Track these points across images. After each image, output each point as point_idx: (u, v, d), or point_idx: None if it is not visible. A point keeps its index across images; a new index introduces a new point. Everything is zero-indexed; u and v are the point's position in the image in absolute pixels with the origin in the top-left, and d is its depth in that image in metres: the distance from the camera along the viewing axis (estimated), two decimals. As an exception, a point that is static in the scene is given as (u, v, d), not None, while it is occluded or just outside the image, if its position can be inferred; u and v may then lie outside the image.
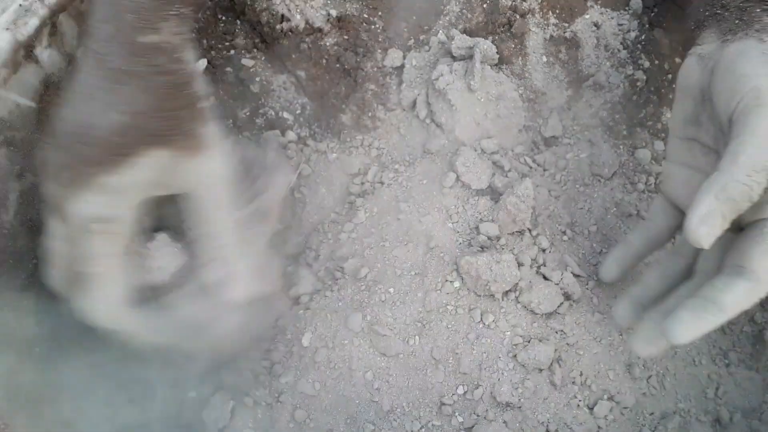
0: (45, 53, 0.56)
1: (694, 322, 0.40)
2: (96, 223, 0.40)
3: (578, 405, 0.52)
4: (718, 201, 0.38)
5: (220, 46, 0.62)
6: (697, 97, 0.45)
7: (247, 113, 0.61)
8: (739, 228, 0.42)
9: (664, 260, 0.50)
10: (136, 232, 0.44)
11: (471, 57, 0.59)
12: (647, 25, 0.63)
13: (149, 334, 0.45)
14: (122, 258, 0.43)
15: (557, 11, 0.63)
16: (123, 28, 0.40)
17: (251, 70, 0.60)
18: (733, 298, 0.39)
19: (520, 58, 0.62)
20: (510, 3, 0.61)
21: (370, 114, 0.61)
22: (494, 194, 0.58)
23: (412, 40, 0.63)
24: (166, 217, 0.47)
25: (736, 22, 0.42)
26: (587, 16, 0.62)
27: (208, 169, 0.43)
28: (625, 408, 0.53)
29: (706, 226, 0.38)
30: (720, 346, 0.57)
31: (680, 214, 0.49)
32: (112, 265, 0.43)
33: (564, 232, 0.58)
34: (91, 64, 0.41)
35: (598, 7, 0.63)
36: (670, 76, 0.63)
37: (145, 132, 0.40)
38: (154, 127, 0.40)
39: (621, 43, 0.62)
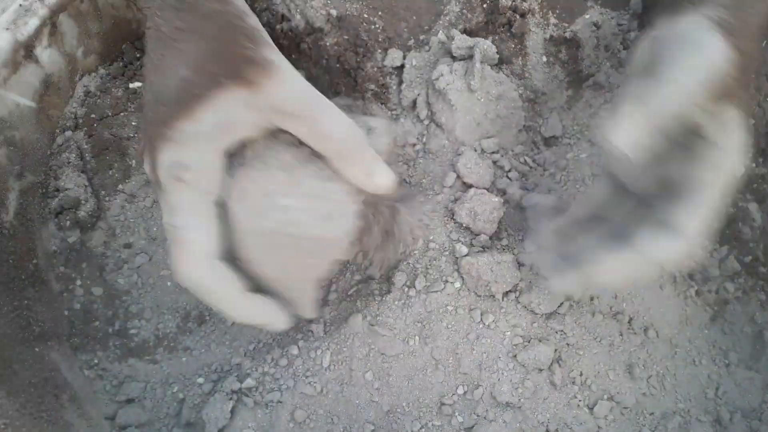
0: (45, 53, 0.56)
1: (615, 266, 0.42)
2: (181, 171, 0.39)
3: (578, 405, 0.52)
4: (639, 108, 0.39)
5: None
6: (643, 72, 0.45)
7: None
8: (664, 186, 0.43)
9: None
10: (223, 184, 0.42)
11: (471, 57, 0.59)
12: (648, 26, 0.63)
13: (235, 290, 0.42)
14: (210, 210, 0.41)
15: (557, 11, 0.63)
16: None
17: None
18: (659, 253, 0.41)
19: (520, 58, 0.62)
20: (510, 3, 0.61)
21: (370, 114, 0.61)
22: (498, 194, 0.58)
23: (412, 40, 0.63)
24: None
25: (686, 4, 0.44)
26: (587, 16, 0.62)
27: (288, 91, 0.41)
28: (625, 408, 0.53)
29: (626, 127, 0.39)
30: (720, 346, 0.57)
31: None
32: (200, 216, 0.41)
33: (564, 232, 0.58)
34: (152, 38, 0.41)
35: (598, 7, 0.63)
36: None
37: (211, 75, 0.39)
38: (217, 68, 0.39)
39: (621, 43, 0.62)
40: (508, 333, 0.53)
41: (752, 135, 0.61)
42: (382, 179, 0.43)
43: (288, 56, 0.60)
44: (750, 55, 0.42)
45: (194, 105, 0.39)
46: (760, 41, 0.45)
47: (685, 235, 0.41)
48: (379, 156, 0.43)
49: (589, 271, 0.44)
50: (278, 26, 0.59)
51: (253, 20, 0.42)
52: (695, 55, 0.40)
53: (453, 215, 0.57)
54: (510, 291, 0.54)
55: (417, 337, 0.53)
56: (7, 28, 0.53)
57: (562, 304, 0.55)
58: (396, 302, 0.54)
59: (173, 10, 0.41)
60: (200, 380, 0.53)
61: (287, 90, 0.41)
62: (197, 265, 0.40)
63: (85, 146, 0.59)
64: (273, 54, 0.41)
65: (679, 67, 0.40)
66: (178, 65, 0.40)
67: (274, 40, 0.57)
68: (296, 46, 0.60)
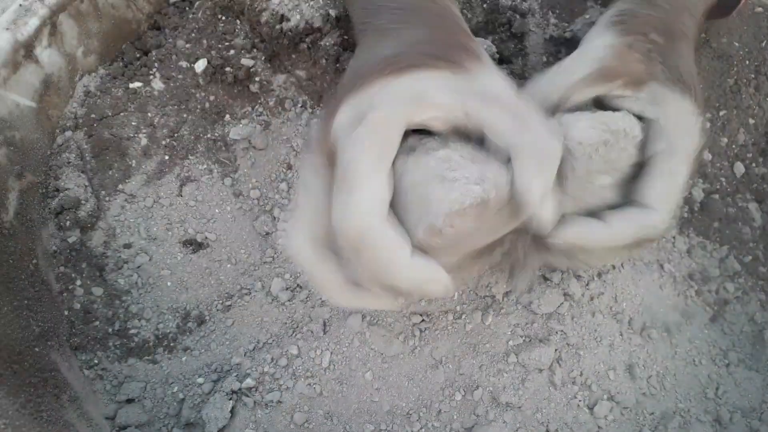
0: (45, 53, 0.56)
1: (581, 231, 0.44)
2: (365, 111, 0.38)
3: (578, 405, 0.52)
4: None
5: (219, 46, 0.62)
6: None
7: (247, 112, 0.61)
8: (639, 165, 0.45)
9: None
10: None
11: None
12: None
13: (406, 247, 0.38)
14: (386, 170, 0.38)
15: (557, 11, 0.63)
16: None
17: (251, 69, 0.60)
18: (634, 230, 0.44)
19: (520, 58, 0.62)
20: (510, 3, 0.61)
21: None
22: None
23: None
24: None
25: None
26: (587, 16, 0.62)
27: (496, 78, 0.40)
28: (625, 408, 0.53)
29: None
30: (720, 346, 0.57)
31: None
32: (378, 172, 0.37)
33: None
34: (367, 32, 0.44)
35: (598, 6, 0.63)
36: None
37: (422, 52, 0.39)
38: (430, 48, 0.39)
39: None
40: (509, 333, 0.53)
41: (752, 134, 0.61)
42: (546, 215, 0.41)
43: (288, 56, 0.61)
44: (651, 38, 0.45)
45: (398, 72, 0.38)
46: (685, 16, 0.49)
47: (658, 210, 0.44)
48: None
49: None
50: (278, 26, 0.59)
51: (458, 13, 0.45)
52: (580, 51, 0.47)
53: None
54: (510, 291, 0.54)
55: (417, 338, 0.53)
56: (7, 28, 0.53)
57: (562, 304, 0.55)
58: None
59: (389, 11, 0.43)
60: (200, 380, 0.53)
61: (495, 77, 0.40)
62: (372, 214, 0.37)
63: (85, 146, 0.59)
64: (478, 46, 0.42)
65: (568, 59, 0.46)
66: (390, 47, 0.41)
67: (273, 40, 0.58)
68: (296, 46, 0.60)
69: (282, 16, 0.59)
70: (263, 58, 0.61)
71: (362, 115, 0.37)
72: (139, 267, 0.57)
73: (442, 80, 0.38)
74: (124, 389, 0.53)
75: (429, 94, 0.38)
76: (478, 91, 0.38)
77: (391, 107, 0.37)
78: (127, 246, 0.57)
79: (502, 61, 0.61)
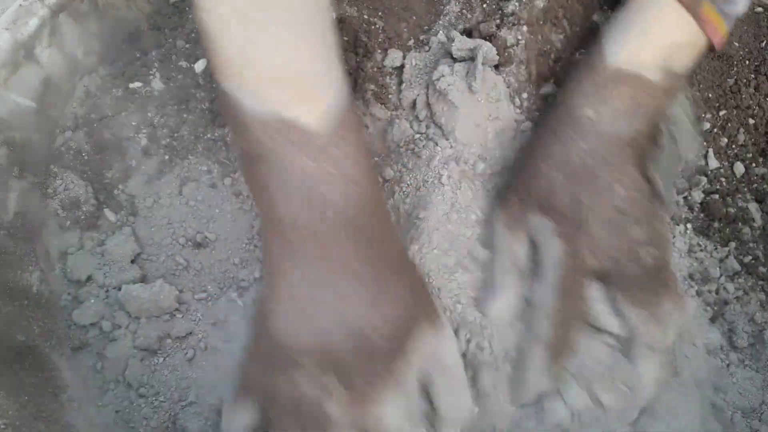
0: (45, 53, 0.56)
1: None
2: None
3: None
4: None
5: (220, 46, 0.62)
6: None
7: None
8: None
9: None
10: None
11: (472, 58, 0.59)
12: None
13: None
14: None
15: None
16: (372, 246, 0.45)
17: (251, 70, 0.61)
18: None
19: (514, 65, 0.62)
20: (511, 9, 0.61)
21: (370, 114, 0.61)
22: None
23: (412, 40, 0.63)
24: None
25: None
26: (594, 17, 0.62)
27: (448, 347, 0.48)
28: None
29: None
30: (720, 346, 0.57)
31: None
32: None
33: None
34: (333, 275, 0.44)
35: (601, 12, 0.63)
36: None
37: (414, 314, 0.45)
38: (417, 310, 0.46)
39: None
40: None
41: (752, 135, 0.61)
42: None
43: (288, 56, 0.60)
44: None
45: (405, 342, 0.43)
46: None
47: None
48: None
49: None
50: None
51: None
52: None
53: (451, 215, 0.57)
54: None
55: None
56: (7, 29, 0.53)
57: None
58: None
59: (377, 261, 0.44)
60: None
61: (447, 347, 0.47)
62: None
63: (85, 146, 0.59)
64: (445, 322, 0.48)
65: None
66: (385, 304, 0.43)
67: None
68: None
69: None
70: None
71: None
72: (139, 267, 0.57)
73: (426, 342, 0.46)
74: (113, 398, 0.53)
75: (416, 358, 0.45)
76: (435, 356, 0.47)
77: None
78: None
79: (501, 63, 0.61)
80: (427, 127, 0.61)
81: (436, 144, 0.59)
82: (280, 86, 0.41)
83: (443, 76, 0.58)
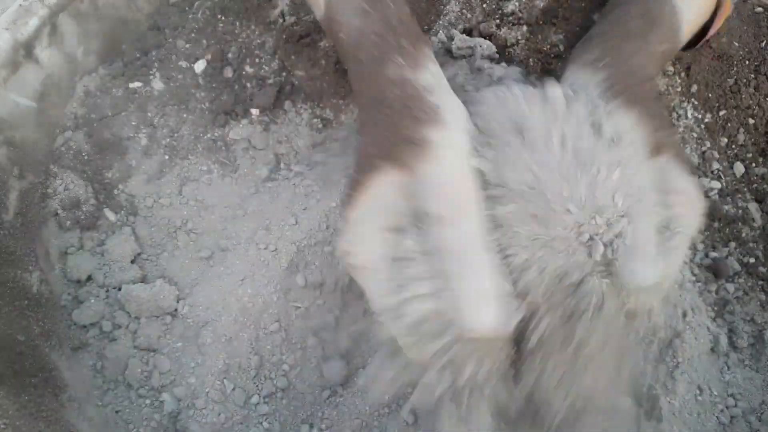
0: (45, 53, 0.56)
1: None
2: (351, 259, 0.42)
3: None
4: None
5: (219, 46, 0.62)
6: None
7: (247, 113, 0.61)
8: None
9: None
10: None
11: (471, 56, 0.59)
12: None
13: None
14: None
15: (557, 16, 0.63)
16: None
17: (250, 70, 0.61)
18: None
19: (514, 63, 0.62)
20: (511, 9, 0.61)
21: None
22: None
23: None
24: None
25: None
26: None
27: (433, 178, 0.43)
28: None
29: None
30: (720, 346, 0.57)
31: None
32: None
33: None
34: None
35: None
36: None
37: (370, 158, 0.43)
38: (376, 150, 0.43)
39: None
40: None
41: (752, 134, 0.61)
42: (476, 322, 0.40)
43: (288, 57, 0.61)
44: None
45: (357, 193, 0.42)
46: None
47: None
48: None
49: None
50: (277, 26, 0.59)
51: (436, 96, 0.43)
52: None
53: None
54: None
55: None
56: (8, 28, 0.53)
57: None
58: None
59: (365, 108, 0.44)
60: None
61: (433, 177, 0.41)
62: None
63: (86, 146, 0.59)
64: (438, 132, 0.41)
65: None
66: (358, 157, 0.43)
67: (273, 41, 0.58)
68: (295, 46, 0.60)
69: (282, 16, 0.59)
70: (262, 58, 0.61)
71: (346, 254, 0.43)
72: (139, 267, 0.57)
73: (394, 186, 0.41)
74: (112, 397, 0.53)
75: (386, 208, 0.42)
76: (419, 193, 0.41)
77: (367, 245, 0.42)
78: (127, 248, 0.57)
79: (501, 58, 0.61)
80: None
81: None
82: None
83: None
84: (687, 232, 0.44)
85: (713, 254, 0.59)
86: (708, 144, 0.61)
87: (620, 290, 0.41)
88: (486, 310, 0.38)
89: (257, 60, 0.61)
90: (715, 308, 0.58)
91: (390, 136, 0.42)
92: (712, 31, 0.54)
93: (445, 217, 0.40)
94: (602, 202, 0.41)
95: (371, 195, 0.41)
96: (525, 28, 0.61)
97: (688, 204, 0.45)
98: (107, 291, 0.55)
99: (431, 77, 0.44)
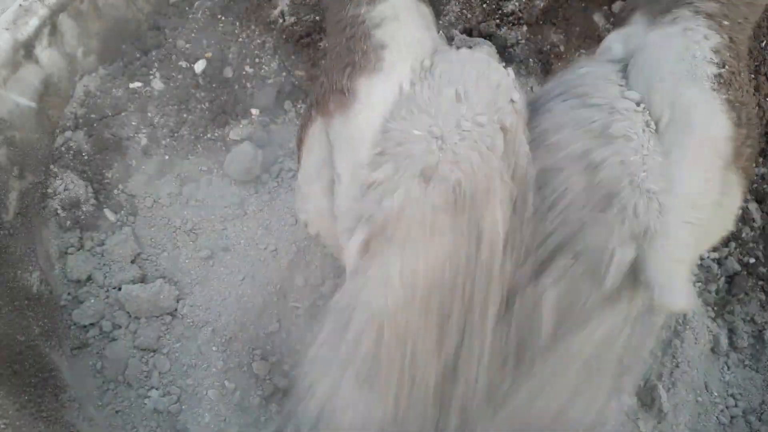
0: (45, 53, 0.56)
1: None
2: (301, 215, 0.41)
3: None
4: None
5: (219, 46, 0.62)
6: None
7: (247, 113, 0.61)
8: None
9: None
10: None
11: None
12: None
13: None
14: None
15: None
16: None
17: (250, 70, 0.61)
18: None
19: (513, 64, 0.62)
20: (511, 8, 0.61)
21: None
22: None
23: None
24: None
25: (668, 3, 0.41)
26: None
27: (346, 129, 0.40)
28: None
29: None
30: (720, 346, 0.57)
31: None
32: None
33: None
34: None
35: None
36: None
37: (308, 108, 0.41)
38: (312, 99, 0.41)
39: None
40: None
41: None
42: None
43: (288, 57, 0.61)
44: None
45: (299, 150, 0.40)
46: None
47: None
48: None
49: None
50: (277, 26, 0.59)
51: (385, 31, 0.40)
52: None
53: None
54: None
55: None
56: (7, 28, 0.53)
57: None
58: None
59: (332, 41, 0.41)
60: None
61: (341, 130, 0.39)
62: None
63: (86, 146, 0.59)
64: (366, 80, 0.39)
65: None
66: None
67: (273, 41, 0.57)
68: (295, 46, 0.60)
69: (282, 16, 0.59)
70: (262, 58, 0.61)
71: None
72: (139, 267, 0.57)
73: (323, 136, 0.40)
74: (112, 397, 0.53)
75: (321, 160, 0.40)
76: (334, 140, 0.39)
77: (311, 201, 0.41)
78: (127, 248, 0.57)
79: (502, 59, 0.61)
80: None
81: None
82: None
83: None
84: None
85: (713, 254, 0.59)
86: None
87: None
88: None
89: (257, 60, 0.61)
90: (715, 308, 0.58)
91: (326, 84, 0.39)
92: None
93: (341, 175, 0.38)
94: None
95: (307, 150, 0.40)
96: (525, 28, 0.61)
97: (718, 230, 0.40)
98: (107, 291, 0.55)
99: (389, 9, 0.40)
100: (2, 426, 0.42)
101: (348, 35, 0.40)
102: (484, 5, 0.63)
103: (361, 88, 0.38)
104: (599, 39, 0.62)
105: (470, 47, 0.58)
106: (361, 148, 0.38)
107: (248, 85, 0.61)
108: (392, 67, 0.39)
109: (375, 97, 0.38)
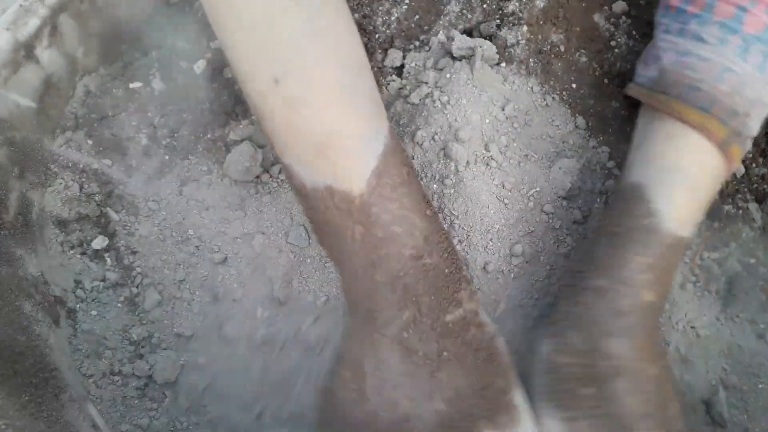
0: (45, 53, 0.56)
1: None
2: None
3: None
4: None
5: (219, 46, 0.62)
6: None
7: (247, 113, 0.61)
8: None
9: None
10: None
11: (471, 57, 0.59)
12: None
13: None
14: None
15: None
16: (426, 312, 0.38)
17: (251, 70, 0.61)
18: None
19: (514, 63, 0.62)
20: (512, 8, 0.61)
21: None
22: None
23: (412, 40, 0.63)
24: None
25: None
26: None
27: None
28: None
29: None
30: (720, 346, 0.57)
31: None
32: None
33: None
34: (391, 351, 0.38)
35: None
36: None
37: (469, 412, 0.37)
38: (476, 407, 0.37)
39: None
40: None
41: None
42: None
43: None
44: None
45: None
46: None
47: None
48: None
49: None
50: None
51: (501, 343, 0.40)
52: None
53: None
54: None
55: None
56: (8, 29, 0.53)
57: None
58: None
59: (436, 334, 0.38)
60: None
61: None
62: None
63: (86, 146, 0.59)
64: (518, 395, 0.39)
65: None
66: (436, 395, 0.37)
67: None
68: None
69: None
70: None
71: None
72: (138, 267, 0.57)
73: None
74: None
75: None
76: None
77: None
78: (128, 247, 0.57)
79: (502, 61, 0.61)
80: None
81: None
82: (328, 159, 0.39)
83: (443, 75, 0.58)
84: None
85: (713, 255, 0.59)
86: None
87: None
88: None
89: (257, 60, 0.61)
90: (715, 308, 0.58)
91: (483, 392, 0.38)
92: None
93: None
94: None
95: None
96: (525, 28, 0.61)
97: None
98: (107, 291, 0.55)
99: (490, 326, 0.41)
100: (3, 426, 0.42)
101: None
102: (485, 5, 0.63)
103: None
104: (599, 39, 0.63)
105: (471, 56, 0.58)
106: None
107: (248, 85, 0.61)
108: None
109: None
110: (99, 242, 0.57)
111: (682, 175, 0.45)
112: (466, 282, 0.41)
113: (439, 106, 0.57)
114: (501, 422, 0.37)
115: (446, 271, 0.39)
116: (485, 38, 0.61)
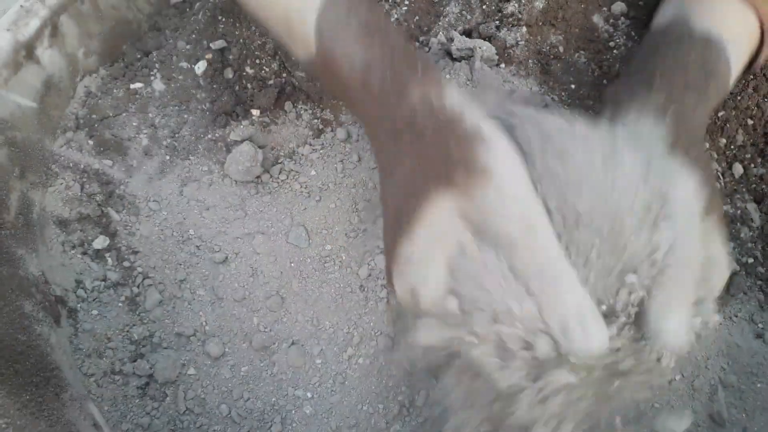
0: (46, 54, 0.56)
1: None
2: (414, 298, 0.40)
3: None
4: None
5: (219, 47, 0.62)
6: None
7: (248, 114, 0.61)
8: None
9: None
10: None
11: (470, 57, 0.59)
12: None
13: None
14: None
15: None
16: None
17: (251, 71, 0.61)
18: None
19: (514, 64, 0.62)
20: (511, 10, 0.62)
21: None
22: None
23: (412, 41, 0.63)
24: None
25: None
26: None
27: (497, 203, 0.38)
28: (624, 407, 0.53)
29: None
30: (720, 346, 0.57)
31: None
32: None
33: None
34: (381, 170, 0.43)
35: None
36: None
37: (419, 187, 0.39)
38: (425, 178, 0.39)
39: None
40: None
41: (751, 135, 0.61)
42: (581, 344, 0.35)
43: (288, 58, 0.61)
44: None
45: (410, 226, 0.38)
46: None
47: None
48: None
49: None
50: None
51: (470, 116, 0.40)
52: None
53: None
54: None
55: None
56: (8, 29, 0.53)
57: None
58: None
59: (387, 143, 0.41)
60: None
61: (496, 202, 0.37)
62: None
63: (86, 146, 0.59)
64: (488, 152, 0.38)
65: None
66: (397, 189, 0.40)
67: (273, 41, 0.58)
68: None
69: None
70: (263, 59, 0.61)
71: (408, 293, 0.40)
72: (139, 267, 0.57)
73: (451, 212, 0.38)
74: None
75: (444, 234, 0.38)
76: (480, 218, 0.37)
77: (424, 279, 0.39)
78: (128, 247, 0.57)
79: (501, 61, 0.62)
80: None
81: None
82: None
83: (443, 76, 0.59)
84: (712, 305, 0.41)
85: (712, 254, 0.59)
86: (707, 145, 0.61)
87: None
88: (595, 326, 0.35)
89: (258, 61, 0.61)
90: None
91: (434, 162, 0.38)
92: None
93: (520, 237, 0.36)
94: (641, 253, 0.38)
95: (427, 225, 0.38)
96: (524, 29, 0.61)
97: (719, 275, 0.41)
98: (108, 291, 0.55)
99: (459, 97, 0.41)
100: (4, 425, 0.42)
101: (437, 119, 0.39)
102: (484, 6, 0.63)
103: (488, 156, 0.38)
104: (598, 40, 0.63)
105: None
106: (528, 205, 0.37)
107: (249, 86, 0.61)
108: (500, 139, 0.39)
109: (507, 158, 0.38)
110: (100, 242, 0.57)
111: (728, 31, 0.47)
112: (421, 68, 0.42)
113: (439, 106, 0.57)
114: (457, 179, 0.38)
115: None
116: (484, 39, 0.61)
